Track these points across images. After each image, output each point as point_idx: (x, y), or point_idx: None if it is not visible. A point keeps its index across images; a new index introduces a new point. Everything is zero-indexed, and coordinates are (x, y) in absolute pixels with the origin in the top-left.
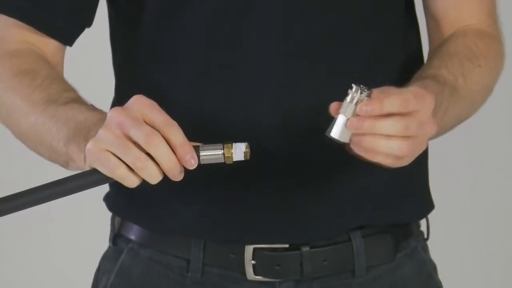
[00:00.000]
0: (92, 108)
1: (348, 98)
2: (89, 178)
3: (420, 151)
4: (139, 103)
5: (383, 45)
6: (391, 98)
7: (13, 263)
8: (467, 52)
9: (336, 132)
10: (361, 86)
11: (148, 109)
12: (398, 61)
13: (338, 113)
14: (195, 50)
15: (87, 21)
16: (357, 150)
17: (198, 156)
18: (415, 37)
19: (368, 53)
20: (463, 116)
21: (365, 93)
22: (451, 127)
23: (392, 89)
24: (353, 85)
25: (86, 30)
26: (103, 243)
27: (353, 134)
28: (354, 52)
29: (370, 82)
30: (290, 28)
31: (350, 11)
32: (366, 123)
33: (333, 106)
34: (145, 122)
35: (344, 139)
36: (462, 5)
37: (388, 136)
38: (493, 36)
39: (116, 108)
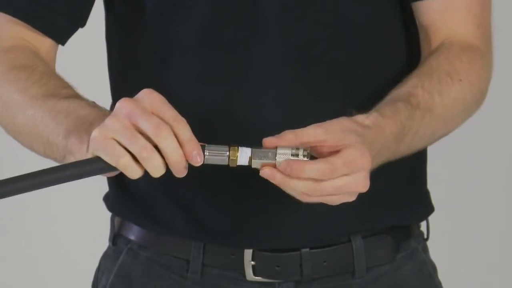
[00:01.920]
0: (94, 105)
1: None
2: (91, 166)
3: (341, 202)
4: (150, 97)
5: (382, 49)
6: (316, 165)
7: (13, 262)
8: (448, 67)
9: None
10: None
11: (158, 103)
12: (398, 65)
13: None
14: (194, 53)
15: (82, 21)
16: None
17: (203, 155)
18: (414, 40)
19: (367, 58)
20: (438, 134)
21: (306, 153)
22: (426, 143)
23: (333, 142)
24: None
25: (86, 31)
26: (104, 242)
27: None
28: (353, 56)
29: (369, 86)
30: (288, 33)
31: (349, 16)
32: (278, 178)
33: (269, 141)
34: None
35: (256, 165)
36: (450, 16)
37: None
38: (479, 49)
39: (126, 99)
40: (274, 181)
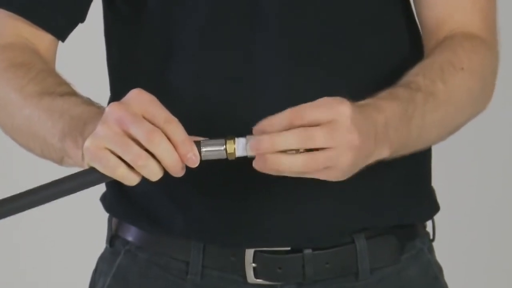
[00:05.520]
0: (89, 102)
1: None
2: (87, 178)
3: (349, 165)
4: (139, 98)
5: (384, 47)
6: (284, 113)
7: (11, 263)
8: (450, 54)
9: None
10: None
11: (148, 104)
12: (400, 62)
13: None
14: (195, 51)
15: (82, 17)
16: (262, 170)
17: (200, 152)
18: (416, 38)
19: (369, 55)
20: (449, 122)
21: None
22: (439, 134)
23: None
24: None
25: (84, 30)
26: (101, 244)
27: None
28: (354, 54)
29: (371, 84)
30: (288, 31)
31: (350, 14)
32: (265, 144)
33: (257, 129)
34: (144, 118)
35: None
36: (454, 9)
37: (290, 151)
38: (484, 40)
39: (115, 103)
40: (261, 150)
